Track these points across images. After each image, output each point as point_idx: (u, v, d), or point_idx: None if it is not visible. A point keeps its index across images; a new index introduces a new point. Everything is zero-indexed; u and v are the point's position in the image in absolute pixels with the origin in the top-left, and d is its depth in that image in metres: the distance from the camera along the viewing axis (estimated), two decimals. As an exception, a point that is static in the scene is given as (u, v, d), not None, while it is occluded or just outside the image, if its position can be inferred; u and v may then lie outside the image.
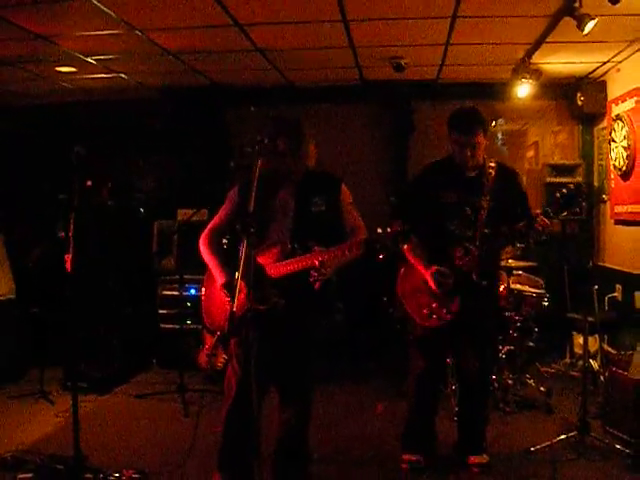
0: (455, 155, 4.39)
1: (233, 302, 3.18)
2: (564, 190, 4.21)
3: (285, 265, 3.71)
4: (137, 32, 5.66)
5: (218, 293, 3.91)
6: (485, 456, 4.58)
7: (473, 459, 4.56)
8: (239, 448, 3.75)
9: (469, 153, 4.28)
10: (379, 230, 3.49)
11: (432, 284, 4.29)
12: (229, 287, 3.70)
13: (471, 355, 4.56)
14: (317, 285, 3.64)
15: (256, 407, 3.58)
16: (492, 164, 4.45)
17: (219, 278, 3.86)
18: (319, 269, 3.58)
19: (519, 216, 4.27)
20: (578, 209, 4.24)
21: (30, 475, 4.18)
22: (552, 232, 4.28)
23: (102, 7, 4.97)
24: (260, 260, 3.74)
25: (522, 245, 6.31)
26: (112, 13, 5.13)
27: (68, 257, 4.00)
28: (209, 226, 4.10)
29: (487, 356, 4.68)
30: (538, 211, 4.25)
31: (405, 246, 4.30)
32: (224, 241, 4.18)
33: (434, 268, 4.29)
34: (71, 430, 3.98)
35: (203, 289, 4.12)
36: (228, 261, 3.88)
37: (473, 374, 4.57)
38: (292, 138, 3.81)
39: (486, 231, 4.27)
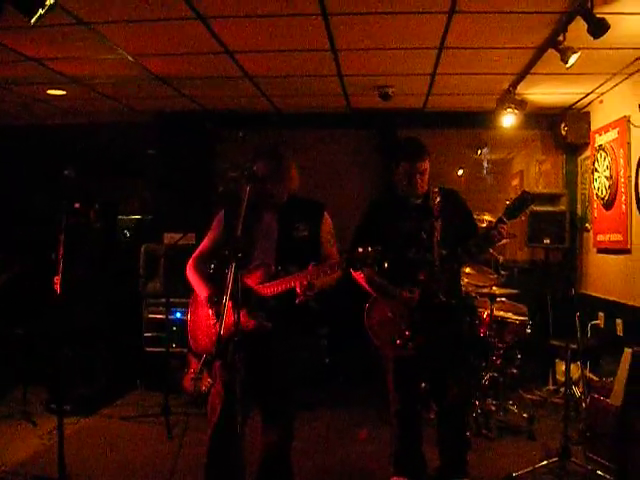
0: (400, 186, 4.51)
1: (219, 323, 3.21)
2: (512, 197, 4.44)
3: (270, 286, 3.75)
4: (128, 57, 5.72)
5: (203, 316, 3.95)
6: None
7: None
8: (224, 471, 3.75)
9: (419, 180, 4.42)
10: (360, 249, 3.54)
11: (405, 302, 4.33)
12: (212, 300, 3.76)
13: (445, 380, 4.61)
14: (298, 302, 3.66)
15: (240, 431, 3.62)
16: (435, 189, 4.54)
17: (202, 292, 3.89)
18: (306, 287, 3.62)
19: (469, 232, 4.48)
20: (527, 211, 4.30)
21: (13, 496, 4.17)
22: (510, 236, 4.40)
23: (95, 32, 5.04)
24: (245, 281, 3.78)
25: (505, 272, 6.43)
26: (104, 38, 5.19)
27: (57, 279, 4.02)
28: (196, 253, 4.15)
29: (462, 381, 4.70)
30: (493, 220, 4.38)
31: (361, 274, 4.37)
32: (211, 267, 4.22)
33: (403, 290, 4.35)
34: (54, 452, 3.98)
35: (189, 314, 4.13)
36: (214, 284, 3.92)
37: (451, 399, 4.61)
38: (271, 163, 3.86)
39: (443, 252, 4.38)
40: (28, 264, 6.98)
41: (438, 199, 4.48)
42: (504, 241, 4.38)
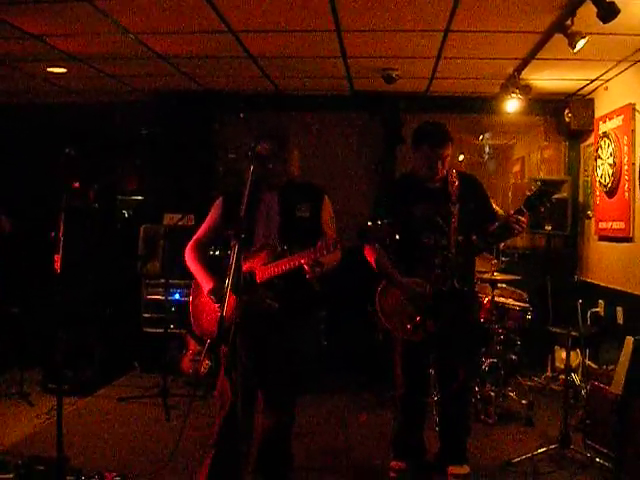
0: (420, 169, 4.46)
1: (222, 308, 3.18)
2: (533, 188, 4.27)
3: (276, 266, 3.73)
4: (130, 35, 5.65)
5: (207, 301, 3.93)
6: (465, 467, 4.60)
7: (452, 469, 4.59)
8: (232, 458, 3.73)
9: (440, 166, 4.37)
10: (370, 223, 3.50)
11: (409, 297, 4.34)
12: (216, 293, 3.74)
13: (453, 366, 4.60)
14: (309, 277, 3.63)
15: (249, 415, 3.63)
16: (454, 173, 4.53)
17: (205, 285, 3.88)
18: (313, 264, 3.59)
19: (487, 218, 4.46)
20: (548, 205, 4.21)
21: (11, 476, 4.13)
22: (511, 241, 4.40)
23: (96, 9, 4.96)
24: (250, 264, 3.75)
25: (507, 259, 6.40)
26: (106, 15, 5.13)
27: (57, 257, 3.99)
28: (194, 237, 4.14)
29: (468, 367, 4.73)
30: (511, 211, 4.34)
31: (375, 255, 4.39)
32: (212, 251, 4.20)
33: (415, 280, 4.33)
34: (52, 432, 3.95)
35: (191, 298, 4.11)
36: (214, 270, 3.91)
37: (454, 385, 4.61)
38: (275, 144, 3.85)
39: (460, 238, 4.36)
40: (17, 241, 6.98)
41: (456, 184, 4.47)
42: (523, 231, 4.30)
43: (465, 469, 4.60)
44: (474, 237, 4.33)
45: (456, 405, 4.67)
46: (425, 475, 4.66)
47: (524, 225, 4.20)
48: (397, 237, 3.52)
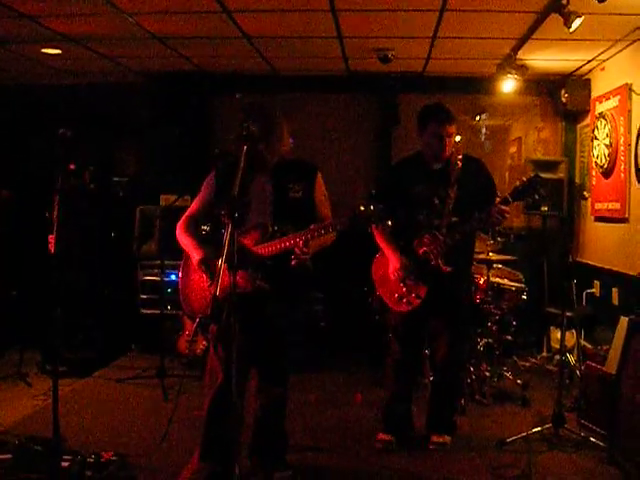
0: (428, 148, 4.59)
1: (214, 285, 3.19)
2: (524, 179, 4.43)
3: (266, 247, 3.74)
4: (124, 15, 5.62)
5: (196, 278, 3.94)
6: (447, 437, 4.79)
7: (434, 437, 4.78)
8: (223, 436, 3.75)
9: (446, 143, 4.48)
10: (362, 207, 3.54)
11: (392, 271, 4.54)
12: (206, 263, 3.76)
13: (442, 343, 4.77)
14: (294, 263, 3.67)
15: (239, 394, 3.64)
16: (459, 156, 4.64)
17: (195, 255, 3.87)
18: (301, 249, 3.62)
19: (488, 202, 4.48)
20: (537, 196, 4.40)
21: (9, 456, 4.15)
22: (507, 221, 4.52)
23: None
24: (241, 243, 3.75)
25: (502, 239, 6.41)
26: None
27: (51, 238, 3.99)
28: (186, 213, 4.13)
29: (457, 344, 4.83)
30: (498, 199, 4.47)
31: (378, 227, 4.41)
32: (204, 228, 4.20)
33: (401, 258, 4.52)
34: (49, 412, 3.95)
35: (180, 274, 4.11)
36: (206, 246, 3.91)
37: (444, 361, 4.80)
38: (263, 122, 3.81)
39: (454, 219, 4.48)
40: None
41: (459, 166, 4.58)
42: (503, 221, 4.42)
43: (446, 439, 4.78)
44: (472, 216, 4.41)
45: (443, 380, 4.89)
46: (409, 447, 4.79)
47: (506, 216, 4.37)
48: (389, 223, 3.59)
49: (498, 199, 4.45)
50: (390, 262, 4.58)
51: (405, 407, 4.90)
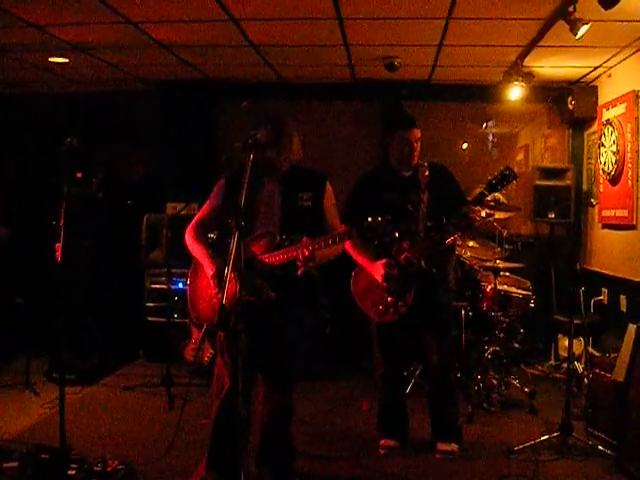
0: (396, 155, 4.72)
1: (222, 293, 3.19)
2: (495, 172, 4.58)
3: (274, 256, 3.73)
4: (131, 24, 5.64)
5: (204, 286, 3.94)
6: (453, 445, 4.79)
7: (440, 446, 4.79)
8: (230, 445, 3.74)
9: (414, 148, 4.63)
10: (370, 219, 3.54)
11: (381, 276, 4.52)
12: (220, 276, 3.73)
13: (432, 350, 4.81)
14: (301, 271, 3.66)
15: (246, 402, 3.64)
16: (424, 163, 4.77)
17: (209, 269, 3.86)
18: (308, 258, 3.62)
19: (459, 205, 4.60)
20: (508, 185, 4.61)
21: (15, 464, 4.16)
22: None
23: (97, -2, 4.97)
24: (249, 251, 3.75)
25: (510, 246, 6.40)
26: (106, 4, 5.11)
27: (58, 246, 4.00)
28: (195, 219, 4.13)
29: (444, 349, 4.87)
30: (469, 198, 4.70)
31: (348, 243, 4.47)
32: (211, 236, 4.20)
33: (382, 261, 4.52)
34: (56, 421, 3.96)
35: (188, 282, 4.12)
36: (219, 258, 3.90)
37: (436, 368, 4.84)
38: (273, 130, 3.83)
39: (428, 224, 4.58)
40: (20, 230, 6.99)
41: (427, 173, 4.71)
42: (478, 221, 4.63)
43: (452, 447, 4.78)
44: (444, 221, 4.51)
45: (437, 386, 4.92)
46: (414, 452, 4.84)
47: (477, 215, 4.65)
48: (396, 234, 3.64)
49: (470, 198, 4.67)
50: (374, 271, 4.57)
51: (399, 412, 4.99)
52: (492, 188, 4.53)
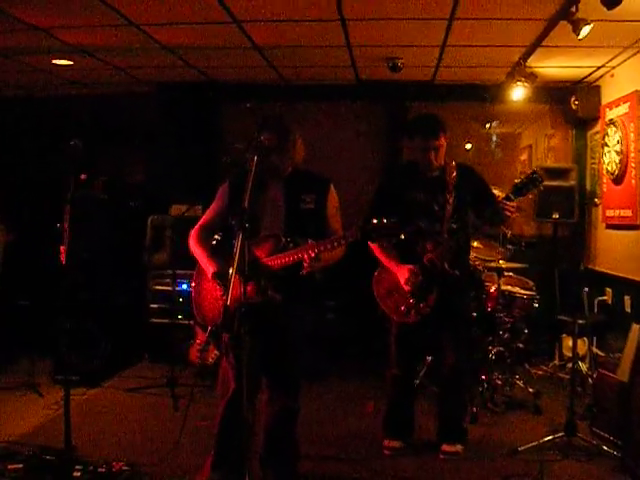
0: (418, 160, 4.67)
1: (226, 295, 3.19)
2: (522, 176, 4.52)
3: (279, 258, 3.74)
4: (134, 26, 5.66)
5: (209, 288, 3.95)
6: (458, 446, 4.78)
7: (445, 447, 4.78)
8: (235, 446, 3.75)
9: (433, 156, 4.57)
10: (374, 220, 3.56)
11: (403, 282, 4.53)
12: (220, 276, 3.75)
13: (449, 351, 4.79)
14: (305, 272, 3.68)
15: (251, 403, 3.65)
16: (452, 164, 4.73)
17: (209, 268, 3.88)
18: (312, 259, 3.63)
19: (488, 206, 4.55)
20: (535, 190, 4.51)
21: (20, 466, 4.17)
22: (518, 210, 4.60)
23: (102, 1, 4.97)
24: (253, 254, 3.76)
25: (513, 247, 6.40)
26: (110, 7, 5.12)
27: (63, 249, 4.01)
28: (199, 223, 4.15)
29: (463, 352, 4.87)
30: (500, 194, 4.66)
31: (375, 244, 4.55)
32: (216, 237, 4.21)
33: (408, 267, 4.53)
34: (60, 422, 3.97)
35: (193, 284, 4.13)
36: (219, 257, 3.92)
37: (451, 370, 4.81)
38: (276, 133, 3.85)
39: (453, 225, 4.55)
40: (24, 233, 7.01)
41: (454, 174, 4.66)
42: (514, 215, 4.44)
43: (457, 448, 4.77)
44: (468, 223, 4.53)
45: (449, 387, 4.90)
46: (418, 453, 4.85)
47: (512, 209, 4.40)
48: (403, 237, 3.61)
49: (502, 195, 4.57)
50: (398, 274, 4.57)
51: (406, 414, 4.98)
52: (518, 191, 4.41)
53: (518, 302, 6.15)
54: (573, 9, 4.85)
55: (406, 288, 4.53)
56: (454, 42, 6.09)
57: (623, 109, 6.51)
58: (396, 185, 4.81)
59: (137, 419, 5.64)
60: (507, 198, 4.41)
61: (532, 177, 4.41)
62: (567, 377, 6.33)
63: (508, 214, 4.41)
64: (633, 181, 6.27)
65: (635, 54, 6.23)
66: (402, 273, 4.54)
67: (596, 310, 6.94)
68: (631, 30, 5.51)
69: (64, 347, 5.00)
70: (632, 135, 6.27)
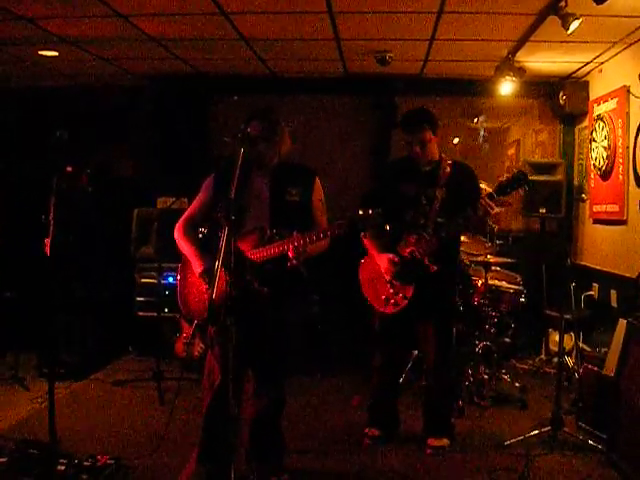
0: (408, 152, 4.71)
1: (212, 290, 3.17)
2: (508, 174, 4.59)
3: (264, 250, 3.74)
4: (121, 17, 5.61)
5: (194, 281, 3.94)
6: (444, 440, 4.81)
7: (431, 441, 4.80)
8: (221, 438, 3.73)
9: (418, 149, 4.59)
10: (361, 212, 3.58)
11: (384, 270, 4.59)
12: (208, 274, 3.72)
13: (432, 346, 4.79)
14: (290, 264, 3.69)
15: (237, 396, 3.63)
16: (449, 161, 4.76)
17: (197, 266, 3.87)
18: (298, 251, 3.64)
19: (473, 204, 4.54)
20: (522, 189, 4.48)
21: (4, 460, 4.13)
22: (505, 204, 4.76)
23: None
24: (239, 246, 3.74)
25: (500, 241, 6.41)
26: (97, -3, 5.09)
27: (47, 241, 3.98)
28: (184, 215, 4.13)
29: (447, 346, 4.88)
30: (489, 190, 4.65)
31: (366, 234, 4.62)
32: (202, 231, 4.19)
33: (389, 256, 4.57)
34: (45, 416, 3.94)
35: (178, 277, 4.11)
36: (204, 250, 3.91)
37: (435, 365, 4.83)
38: (263, 122, 3.85)
39: (439, 220, 4.56)
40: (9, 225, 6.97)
41: (448, 169, 4.69)
42: (497, 210, 4.49)
43: (444, 442, 4.80)
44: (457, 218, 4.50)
45: (434, 381, 4.90)
46: (399, 444, 4.88)
47: (490, 210, 4.41)
48: (387, 228, 3.69)
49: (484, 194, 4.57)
50: (380, 262, 4.63)
51: (390, 405, 5.02)
52: (501, 190, 4.44)
53: (505, 297, 6.15)
54: (562, 3, 4.85)
55: (386, 277, 4.59)
56: (443, 36, 6.08)
57: (611, 105, 6.52)
58: (392, 177, 4.84)
59: (123, 412, 5.61)
60: (490, 196, 4.43)
61: (517, 177, 4.43)
62: (553, 372, 6.34)
63: (482, 211, 4.41)
64: (620, 176, 6.28)
65: (623, 49, 6.24)
66: (382, 261, 4.60)
67: (583, 305, 6.96)
68: (620, 25, 5.52)
69: (50, 340, 4.97)
70: (620, 131, 6.28)
